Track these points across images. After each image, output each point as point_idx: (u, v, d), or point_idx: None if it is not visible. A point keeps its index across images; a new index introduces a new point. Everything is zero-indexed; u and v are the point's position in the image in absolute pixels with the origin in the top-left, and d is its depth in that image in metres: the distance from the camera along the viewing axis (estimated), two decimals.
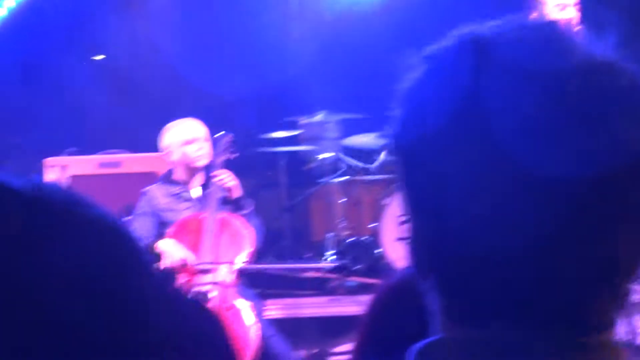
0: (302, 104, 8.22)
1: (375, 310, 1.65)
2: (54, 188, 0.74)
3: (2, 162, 9.30)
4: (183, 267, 5.31)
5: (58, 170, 6.67)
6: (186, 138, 5.63)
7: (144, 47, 9.14)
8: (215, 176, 5.61)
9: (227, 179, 5.60)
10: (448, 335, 0.87)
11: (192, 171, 5.67)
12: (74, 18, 8.99)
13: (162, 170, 6.74)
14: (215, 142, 5.77)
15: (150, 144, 7.65)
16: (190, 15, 9.00)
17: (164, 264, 5.26)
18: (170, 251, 5.33)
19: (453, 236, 0.84)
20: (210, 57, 8.90)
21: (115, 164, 6.89)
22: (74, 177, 6.69)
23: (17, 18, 8.96)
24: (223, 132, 5.91)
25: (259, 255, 5.77)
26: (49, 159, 6.82)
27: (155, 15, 9.20)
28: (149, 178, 6.72)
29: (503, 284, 0.82)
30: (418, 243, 0.89)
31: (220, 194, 5.61)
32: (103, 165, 6.86)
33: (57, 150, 7.16)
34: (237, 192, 5.65)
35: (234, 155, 5.91)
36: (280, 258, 7.77)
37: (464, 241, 0.84)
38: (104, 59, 9.49)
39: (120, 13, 8.99)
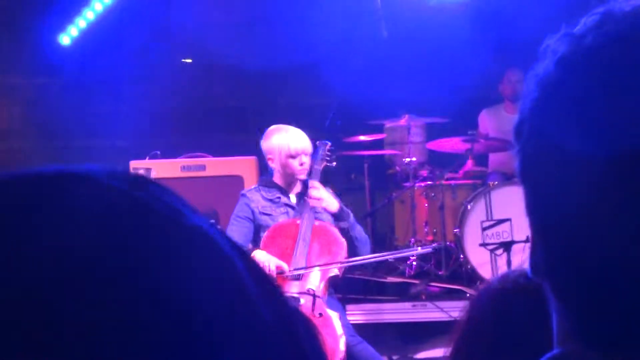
0: (387, 107, 8.18)
1: (474, 316, 1.62)
2: (158, 189, 0.69)
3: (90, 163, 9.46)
4: (279, 274, 5.30)
5: (142, 173, 6.75)
6: (290, 152, 5.56)
7: (229, 49, 9.19)
8: (311, 188, 5.57)
9: (316, 194, 5.54)
10: (577, 351, 0.82)
11: (292, 178, 5.65)
12: (163, 20, 9.09)
13: (246, 173, 6.79)
14: (314, 150, 5.72)
15: (234, 148, 7.72)
16: (275, 17, 9.02)
17: None
18: (266, 260, 5.29)
19: (597, 255, 0.80)
20: (294, 59, 8.91)
21: (199, 168, 6.94)
22: (158, 180, 6.76)
23: (105, 21, 9.10)
24: (323, 141, 5.88)
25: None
26: (134, 162, 6.91)
27: (240, 17, 9.26)
28: (233, 181, 6.77)
29: None
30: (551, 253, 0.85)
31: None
32: (186, 168, 6.92)
33: (142, 153, 7.25)
34: (332, 208, 5.59)
35: (332, 163, 5.88)
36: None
37: (604, 258, 0.79)
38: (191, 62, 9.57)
39: (206, 15, 9.05)
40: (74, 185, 0.66)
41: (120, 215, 0.65)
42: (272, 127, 5.74)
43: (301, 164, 5.56)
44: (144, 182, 0.69)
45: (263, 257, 5.31)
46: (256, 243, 5.53)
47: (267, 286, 0.70)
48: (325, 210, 5.56)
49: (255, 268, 0.69)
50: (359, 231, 5.64)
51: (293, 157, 5.56)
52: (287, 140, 5.59)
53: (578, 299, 0.82)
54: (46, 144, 9.62)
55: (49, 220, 0.62)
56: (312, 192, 5.55)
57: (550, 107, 0.83)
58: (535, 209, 0.85)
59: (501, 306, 1.55)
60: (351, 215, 5.65)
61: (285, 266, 5.31)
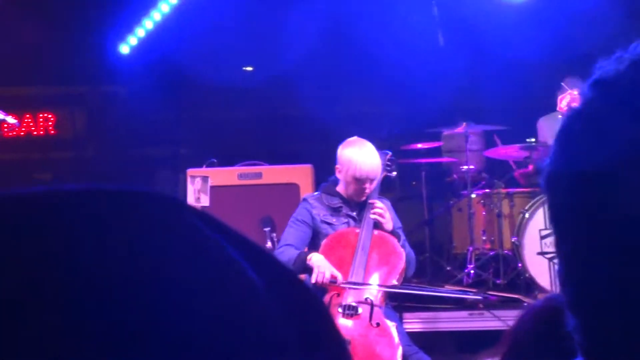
0: (444, 115, 8.16)
1: (519, 331, 1.67)
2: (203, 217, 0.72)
3: (151, 173, 9.59)
4: (332, 284, 5.29)
5: (200, 180, 6.82)
6: (356, 175, 5.53)
7: (288, 58, 9.24)
8: (371, 203, 5.56)
9: (379, 212, 5.53)
10: None
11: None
12: (224, 28, 9.16)
13: (302, 181, 6.81)
14: None
15: (290, 156, 7.76)
16: (335, 27, 9.04)
17: (315, 279, 5.25)
18: (322, 267, 5.29)
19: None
20: (352, 69, 8.93)
21: (256, 175, 6.98)
22: (215, 187, 6.82)
23: (165, 30, 9.21)
24: (384, 151, 5.84)
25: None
26: (191, 170, 6.97)
27: (304, 30, 9.30)
28: (289, 189, 6.80)
29: None
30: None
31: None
32: (243, 176, 6.96)
33: (199, 161, 7.31)
34: (388, 226, 5.58)
35: (392, 173, 5.85)
36: (421, 271, 7.71)
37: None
38: (252, 70, 9.65)
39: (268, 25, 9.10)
40: (144, 202, 0.69)
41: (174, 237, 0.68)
42: (353, 138, 5.66)
43: (363, 189, 5.55)
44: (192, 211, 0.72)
45: (320, 263, 5.29)
46: (313, 249, 5.52)
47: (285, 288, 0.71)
48: (380, 226, 5.54)
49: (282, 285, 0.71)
50: (409, 251, 5.61)
51: (360, 180, 5.53)
52: (357, 162, 5.49)
53: (585, 316, 0.84)
54: (109, 152, 9.77)
55: (120, 231, 0.66)
56: (376, 207, 5.52)
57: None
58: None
59: (543, 325, 1.59)
60: (402, 237, 5.63)
61: (339, 276, 5.29)
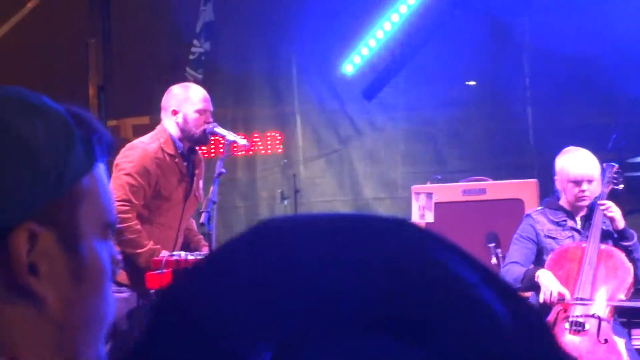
0: None
1: None
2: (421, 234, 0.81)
3: (374, 188, 9.75)
4: (560, 301, 5.26)
5: (424, 197, 6.90)
6: (570, 177, 5.50)
7: (514, 74, 9.21)
8: (600, 205, 5.50)
9: (612, 208, 5.47)
10: None
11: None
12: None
13: (526, 196, 6.77)
14: (602, 173, 5.62)
15: (515, 170, 7.73)
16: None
17: (542, 297, 5.24)
18: (550, 285, 5.25)
19: None
20: (577, 77, 8.80)
21: (480, 191, 6.99)
22: (439, 204, 6.89)
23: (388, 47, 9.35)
24: (610, 163, 5.77)
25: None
26: (416, 186, 7.07)
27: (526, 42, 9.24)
28: (513, 205, 6.77)
29: None
30: None
31: (603, 225, 5.48)
32: (467, 192, 6.99)
33: (424, 177, 7.41)
34: (621, 223, 5.49)
35: (619, 186, 5.76)
36: None
37: None
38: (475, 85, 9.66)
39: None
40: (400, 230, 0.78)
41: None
42: (568, 148, 5.66)
43: (582, 191, 5.50)
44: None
45: (547, 281, 5.25)
46: (538, 265, 5.50)
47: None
48: (612, 221, 5.45)
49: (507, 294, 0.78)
50: None
51: (574, 182, 5.49)
52: (569, 165, 5.52)
53: None
54: (334, 170, 9.99)
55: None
56: (606, 205, 5.45)
57: None
58: None
59: None
60: (635, 236, 5.52)
61: (567, 294, 5.24)
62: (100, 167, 1.13)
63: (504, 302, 0.74)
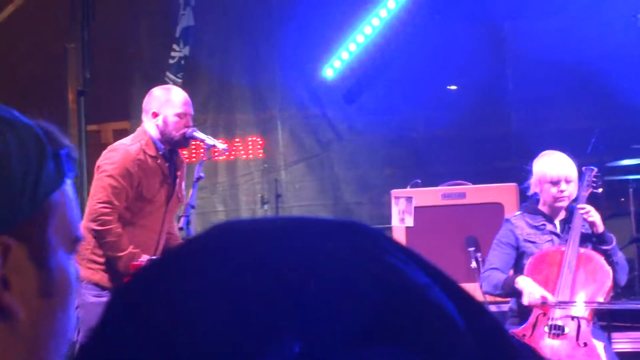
0: None
1: None
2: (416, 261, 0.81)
3: (356, 192, 9.75)
4: (543, 304, 5.27)
5: (404, 201, 6.91)
6: (546, 179, 5.52)
7: (492, 77, 9.23)
8: (579, 209, 5.51)
9: (592, 212, 5.49)
10: None
11: (554, 205, 5.60)
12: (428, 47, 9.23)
13: (506, 201, 6.79)
14: (580, 176, 5.63)
15: (494, 175, 7.74)
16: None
17: (526, 299, 5.25)
18: (532, 288, 5.27)
19: None
20: (557, 84, 8.83)
21: (460, 195, 7.00)
22: (419, 208, 6.90)
23: (366, 51, 9.36)
24: (590, 167, 5.79)
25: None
26: (395, 190, 7.07)
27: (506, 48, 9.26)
28: (493, 209, 6.78)
29: None
30: None
31: (582, 229, 5.49)
32: (447, 196, 7.00)
33: (404, 182, 7.42)
34: (601, 227, 5.50)
35: (598, 190, 5.78)
36: (631, 289, 7.53)
37: None
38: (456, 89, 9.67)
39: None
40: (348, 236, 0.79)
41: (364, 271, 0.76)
42: (544, 152, 5.69)
43: (560, 191, 5.51)
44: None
45: (527, 285, 5.27)
46: (518, 269, 5.51)
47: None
48: (591, 225, 5.46)
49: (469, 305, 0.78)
50: (621, 257, 5.51)
51: (551, 183, 5.51)
52: (545, 166, 5.53)
53: None
54: (315, 174, 9.99)
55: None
56: (585, 209, 5.46)
57: None
58: None
59: None
60: (614, 239, 5.54)
61: (549, 297, 5.26)
62: (68, 183, 1.13)
63: (455, 302, 0.75)
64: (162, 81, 8.45)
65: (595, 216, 5.45)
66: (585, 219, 5.46)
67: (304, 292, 0.73)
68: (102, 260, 5.33)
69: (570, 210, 5.55)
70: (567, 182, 5.48)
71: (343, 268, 0.74)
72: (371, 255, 0.76)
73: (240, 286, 0.74)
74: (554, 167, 5.51)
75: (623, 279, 5.52)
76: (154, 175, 5.44)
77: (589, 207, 5.48)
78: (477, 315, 0.76)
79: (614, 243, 5.50)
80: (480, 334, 0.74)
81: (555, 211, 5.58)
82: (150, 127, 5.51)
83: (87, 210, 5.32)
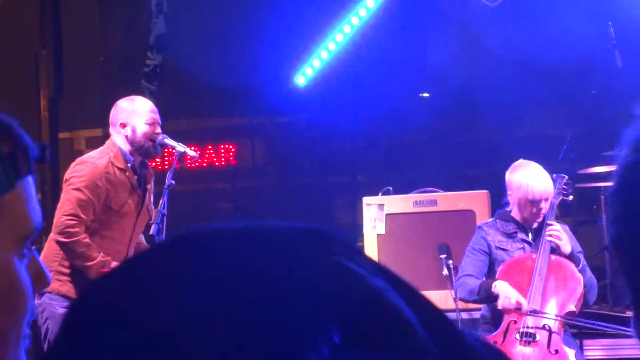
0: (622, 137, 7.98)
1: None
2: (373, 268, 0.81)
3: (328, 201, 9.76)
4: (516, 310, 5.28)
5: (376, 208, 6.91)
6: (528, 197, 5.50)
7: (463, 83, 9.25)
8: (548, 225, 5.52)
9: (555, 234, 5.49)
10: None
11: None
12: (400, 55, 9.24)
13: (478, 208, 6.80)
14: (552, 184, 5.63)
15: (466, 182, 7.76)
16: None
17: (502, 305, 5.26)
18: (508, 292, 5.28)
19: None
20: (528, 91, 8.86)
21: (431, 202, 7.01)
22: (390, 215, 6.90)
23: (341, 60, 9.37)
24: (560, 175, 5.80)
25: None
26: (367, 197, 7.07)
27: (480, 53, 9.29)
28: (464, 216, 6.79)
29: None
30: None
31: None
32: (418, 203, 7.00)
33: (375, 189, 7.42)
34: (566, 249, 5.50)
35: (569, 197, 5.79)
36: (602, 297, 7.56)
37: None
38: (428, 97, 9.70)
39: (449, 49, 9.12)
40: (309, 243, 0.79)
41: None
42: (519, 162, 5.68)
43: (539, 209, 5.51)
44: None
45: (505, 289, 5.29)
46: (490, 276, 5.52)
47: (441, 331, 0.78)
48: (558, 249, 5.48)
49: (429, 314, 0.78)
50: (590, 277, 5.52)
51: (532, 202, 5.51)
52: (528, 183, 5.51)
53: None
54: (288, 181, 10.00)
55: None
56: (552, 229, 5.48)
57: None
58: None
59: None
60: (582, 261, 5.55)
61: (524, 303, 5.27)
62: (25, 182, 1.11)
63: (413, 309, 0.75)
64: (135, 88, 8.43)
65: (562, 238, 5.46)
66: (550, 242, 5.47)
67: (264, 299, 0.73)
68: (69, 271, 5.30)
69: (543, 219, 5.56)
70: (546, 200, 5.50)
71: (304, 271, 0.75)
72: (332, 259, 0.76)
73: (198, 295, 0.73)
74: (535, 188, 5.49)
75: (592, 299, 5.56)
76: (122, 187, 5.41)
77: (556, 227, 5.49)
78: (436, 323, 0.76)
79: (582, 263, 5.51)
80: (439, 341, 0.74)
81: (528, 220, 5.59)
82: (118, 139, 5.47)
83: (54, 222, 5.28)
